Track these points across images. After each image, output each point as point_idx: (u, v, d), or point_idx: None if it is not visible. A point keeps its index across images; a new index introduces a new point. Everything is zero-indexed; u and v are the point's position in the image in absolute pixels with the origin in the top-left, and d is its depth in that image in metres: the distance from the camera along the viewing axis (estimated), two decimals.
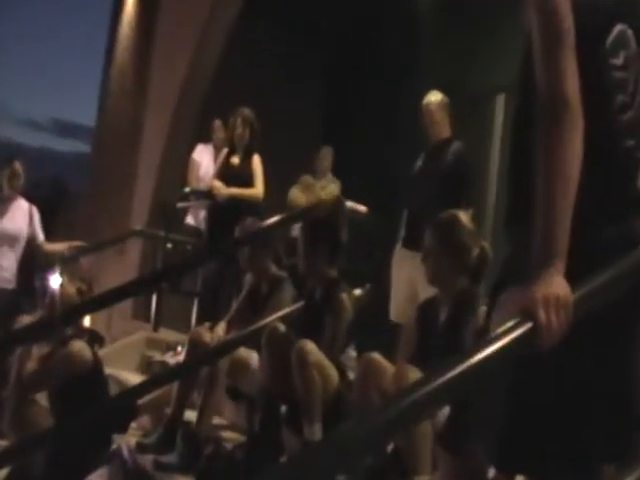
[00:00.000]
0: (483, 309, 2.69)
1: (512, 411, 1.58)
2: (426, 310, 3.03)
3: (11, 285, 5.16)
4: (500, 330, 1.48)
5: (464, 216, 3.02)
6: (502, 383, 1.58)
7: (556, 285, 1.47)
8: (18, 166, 5.27)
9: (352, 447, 1.33)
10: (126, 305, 7.11)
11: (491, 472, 1.70)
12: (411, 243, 4.34)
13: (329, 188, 6.50)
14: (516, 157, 1.71)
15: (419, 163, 4.61)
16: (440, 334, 2.89)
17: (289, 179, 6.57)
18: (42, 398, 4.23)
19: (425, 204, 4.22)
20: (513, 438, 1.57)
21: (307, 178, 6.63)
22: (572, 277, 1.49)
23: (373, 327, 4.45)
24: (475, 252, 2.91)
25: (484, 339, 1.52)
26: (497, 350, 1.45)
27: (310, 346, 3.11)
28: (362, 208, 4.64)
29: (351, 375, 3.34)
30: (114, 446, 3.69)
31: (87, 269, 6.13)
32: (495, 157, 5.56)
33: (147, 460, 3.55)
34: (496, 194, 5.47)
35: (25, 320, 4.46)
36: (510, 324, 1.47)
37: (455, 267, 2.88)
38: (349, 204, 4.54)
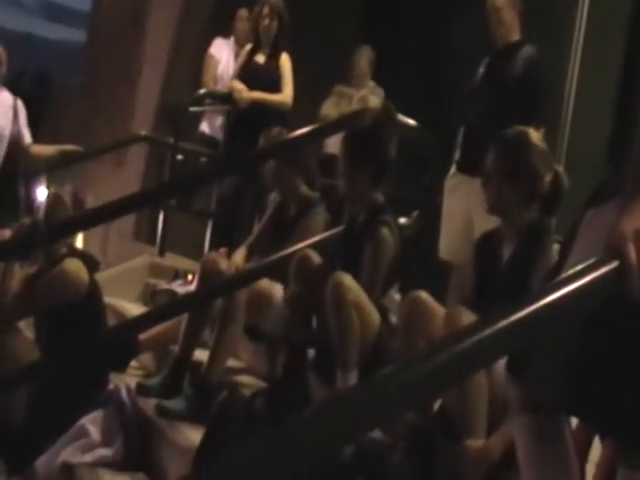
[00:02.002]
0: (556, 247, 2.73)
1: (585, 356, 1.67)
2: (485, 245, 3.04)
3: None
4: (579, 268, 1.50)
5: (535, 134, 3.02)
6: (578, 326, 1.64)
7: None
8: (0, 54, 5.28)
9: (391, 397, 1.31)
10: (127, 225, 7.22)
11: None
12: (468, 166, 4.34)
13: (369, 100, 6.44)
14: (627, 78, 1.76)
15: (481, 71, 4.56)
16: (502, 274, 2.90)
17: (321, 86, 6.52)
18: (26, 328, 4.35)
19: (486, 120, 4.20)
20: (581, 382, 1.68)
21: (341, 88, 6.56)
22: None
23: (420, 265, 4.49)
24: (547, 178, 2.91)
25: (558, 278, 1.55)
26: (574, 292, 1.44)
27: (349, 281, 3.15)
28: (411, 122, 4.62)
29: (394, 320, 3.39)
30: (111, 386, 3.80)
31: (80, 180, 6.21)
32: (575, 67, 5.47)
33: (149, 405, 3.64)
34: (573, 112, 5.41)
35: (6, 234, 4.54)
36: (592, 261, 1.49)
37: (523, 194, 2.88)
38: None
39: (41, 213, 4.10)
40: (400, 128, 4.24)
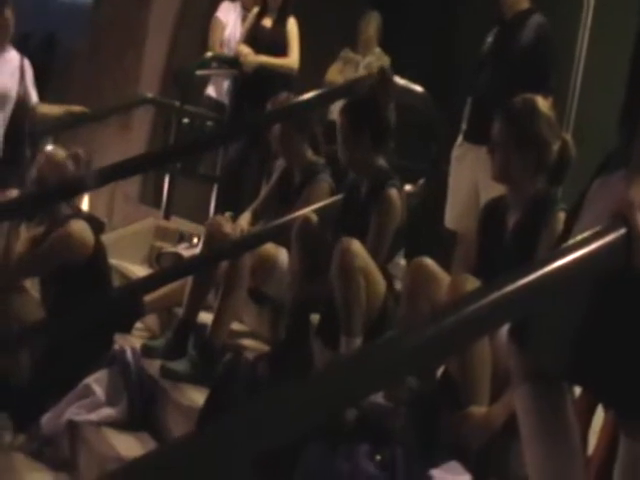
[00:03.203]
0: (562, 216, 2.72)
1: (590, 326, 1.68)
2: (491, 213, 3.03)
3: None
4: (585, 235, 1.49)
5: (543, 102, 2.99)
6: (583, 295, 1.64)
7: None
8: (8, 13, 5.24)
9: (394, 361, 1.30)
10: (132, 188, 7.21)
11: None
12: (475, 136, 4.31)
13: (375, 67, 6.38)
14: None
15: (489, 39, 4.52)
16: (507, 243, 2.90)
17: (327, 50, 6.47)
18: (32, 288, 4.36)
19: (494, 89, 4.16)
20: (585, 350, 1.69)
21: (348, 53, 6.51)
22: None
23: (425, 233, 4.48)
24: (555, 146, 2.90)
25: (564, 245, 1.55)
26: (580, 259, 1.43)
27: (356, 246, 3.14)
28: (418, 88, 4.59)
29: (399, 286, 3.40)
30: (116, 347, 3.82)
31: (86, 142, 6.19)
32: (584, 36, 5.42)
33: (153, 366, 3.66)
34: (582, 81, 5.37)
35: (13, 195, 4.54)
36: (598, 229, 1.48)
37: (529, 162, 2.86)
38: (402, 82, 4.48)
39: (33, 172, 4.08)
40: (404, 95, 4.22)
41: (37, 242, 4.08)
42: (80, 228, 3.95)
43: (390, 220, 3.38)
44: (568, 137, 3.02)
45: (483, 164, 3.78)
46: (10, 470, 3.42)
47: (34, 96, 5.37)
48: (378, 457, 2.41)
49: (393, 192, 3.40)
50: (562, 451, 1.83)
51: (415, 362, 1.38)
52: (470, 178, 4.30)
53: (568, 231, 1.80)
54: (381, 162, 3.54)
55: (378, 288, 3.22)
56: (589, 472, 2.37)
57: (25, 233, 4.25)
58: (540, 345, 1.79)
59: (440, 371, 2.82)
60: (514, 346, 1.84)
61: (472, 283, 2.63)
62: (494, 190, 3.30)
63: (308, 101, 4.06)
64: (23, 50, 5.58)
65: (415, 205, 4.08)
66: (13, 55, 5.32)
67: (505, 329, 1.84)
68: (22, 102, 5.27)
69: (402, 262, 3.87)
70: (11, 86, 5.24)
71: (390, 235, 3.39)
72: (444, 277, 2.85)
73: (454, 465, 2.49)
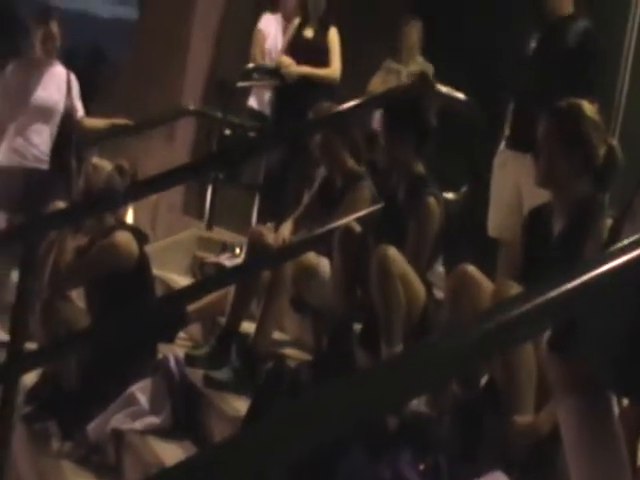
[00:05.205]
0: (608, 222, 2.67)
1: (636, 334, 1.62)
2: (535, 220, 2.99)
3: (44, 165, 5.25)
4: (632, 239, 1.46)
5: (589, 106, 2.94)
6: (630, 302, 1.60)
7: None
8: (55, 27, 5.31)
9: (434, 366, 1.27)
10: (175, 198, 7.25)
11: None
12: (517, 143, 4.26)
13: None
14: None
15: (532, 45, 4.47)
16: (552, 249, 2.85)
17: (369, 60, 6.46)
18: (77, 299, 4.39)
19: (537, 96, 4.12)
20: (633, 360, 1.64)
21: (390, 63, 6.49)
22: None
23: (466, 241, 4.43)
24: (601, 151, 2.85)
25: (611, 248, 1.51)
26: (625, 264, 1.40)
27: (394, 253, 3.12)
28: (460, 95, 4.56)
29: (438, 295, 3.36)
30: (159, 356, 3.84)
31: (131, 154, 6.25)
32: (631, 40, 5.35)
33: (196, 375, 3.67)
34: (629, 87, 5.30)
35: (60, 206, 4.58)
36: None
37: (575, 167, 2.82)
38: (444, 89, 4.46)
39: (80, 183, 4.13)
40: (447, 102, 4.19)
41: (82, 253, 4.12)
42: (125, 239, 3.98)
43: (428, 227, 3.36)
44: (614, 142, 2.96)
45: (526, 172, 3.73)
46: (57, 476, 3.45)
47: (80, 109, 5.43)
48: (421, 466, 2.38)
49: (431, 200, 3.38)
50: (609, 462, 1.78)
51: (456, 365, 1.35)
52: (513, 185, 4.25)
53: (615, 237, 1.76)
54: (420, 168, 3.51)
55: (418, 295, 3.19)
56: None
57: (71, 243, 4.29)
58: (585, 354, 1.74)
59: (484, 379, 2.78)
60: (558, 357, 1.80)
61: (516, 290, 2.58)
62: (538, 197, 3.25)
63: (349, 109, 4.04)
64: (68, 64, 5.65)
65: (456, 213, 4.04)
66: (59, 69, 5.39)
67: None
68: (69, 115, 5.34)
69: (441, 270, 3.84)
70: (58, 99, 5.31)
71: (429, 242, 3.36)
72: (487, 284, 2.81)
73: (498, 475, 2.45)
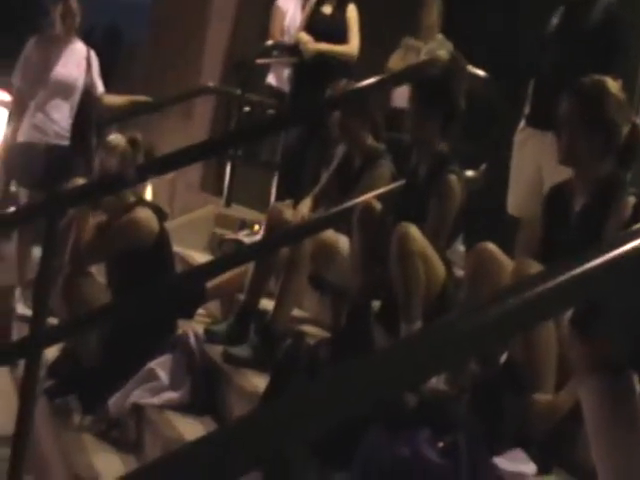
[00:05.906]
0: (631, 200, 2.64)
1: None
2: (556, 197, 2.95)
3: (65, 142, 5.24)
4: None
5: (613, 83, 2.90)
6: None
7: None
8: (74, 2, 5.29)
9: (453, 345, 1.26)
10: (194, 175, 7.25)
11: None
12: (538, 120, 4.21)
13: (437, 54, 6.28)
14: None
15: (555, 21, 4.40)
16: (573, 227, 2.82)
17: (388, 37, 6.40)
18: (98, 274, 4.40)
19: (559, 73, 4.06)
20: None
21: (409, 40, 6.43)
22: None
23: (486, 219, 4.39)
24: (624, 129, 2.81)
25: (631, 228, 1.49)
26: None
27: (414, 231, 3.09)
28: (481, 73, 4.50)
29: (458, 273, 3.34)
30: (179, 332, 3.84)
31: (149, 131, 6.24)
32: None
33: (216, 351, 3.67)
34: None
35: (80, 183, 4.58)
36: None
37: (597, 144, 2.78)
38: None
39: (112, 161, 4.11)
40: (469, 79, 4.14)
41: (102, 229, 4.12)
42: (146, 215, 3.98)
43: (449, 205, 3.33)
44: (639, 121, 2.92)
45: (547, 150, 3.68)
46: (78, 450, 3.47)
47: (100, 86, 5.42)
48: (440, 444, 2.36)
49: (452, 177, 3.35)
50: (630, 441, 1.77)
51: (477, 341, 1.33)
52: (533, 163, 4.20)
53: (638, 216, 1.74)
54: (443, 147, 3.48)
55: (437, 273, 3.17)
56: None
57: (92, 220, 4.29)
58: (607, 333, 1.72)
59: (504, 357, 2.76)
60: (580, 335, 1.78)
61: (536, 268, 2.55)
62: (559, 175, 3.21)
63: (368, 86, 4.01)
64: (89, 40, 5.64)
65: (476, 191, 4.00)
66: (79, 46, 5.38)
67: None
68: (88, 92, 5.33)
69: (461, 248, 3.81)
70: (78, 76, 5.30)
71: (449, 220, 3.33)
72: (507, 262, 2.78)
73: (518, 453, 2.43)
